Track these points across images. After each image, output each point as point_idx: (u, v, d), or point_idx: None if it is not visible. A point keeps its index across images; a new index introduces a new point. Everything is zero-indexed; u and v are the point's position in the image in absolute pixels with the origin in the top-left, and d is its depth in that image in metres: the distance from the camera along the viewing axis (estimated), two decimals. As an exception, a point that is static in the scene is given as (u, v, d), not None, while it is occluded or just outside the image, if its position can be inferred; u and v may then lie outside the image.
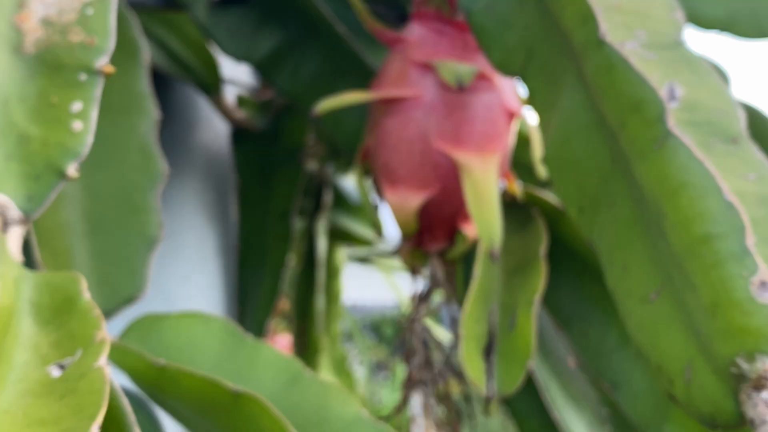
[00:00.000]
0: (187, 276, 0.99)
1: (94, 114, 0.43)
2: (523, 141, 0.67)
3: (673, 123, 0.38)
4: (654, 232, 0.39)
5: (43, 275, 0.40)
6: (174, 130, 1.00)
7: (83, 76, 0.44)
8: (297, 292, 1.41)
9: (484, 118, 0.60)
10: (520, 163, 0.68)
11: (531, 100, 0.53)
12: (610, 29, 0.47)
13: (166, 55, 0.93)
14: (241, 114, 0.98)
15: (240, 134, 1.00)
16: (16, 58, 0.44)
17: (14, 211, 0.41)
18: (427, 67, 0.60)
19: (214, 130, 1.04)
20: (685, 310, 0.37)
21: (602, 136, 0.44)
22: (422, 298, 0.63)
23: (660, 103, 0.39)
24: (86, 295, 0.39)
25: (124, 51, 0.66)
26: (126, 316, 0.59)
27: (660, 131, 0.38)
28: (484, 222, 0.57)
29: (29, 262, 0.55)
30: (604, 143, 0.44)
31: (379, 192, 0.63)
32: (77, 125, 0.43)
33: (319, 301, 1.43)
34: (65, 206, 0.60)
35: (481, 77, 0.60)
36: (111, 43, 0.45)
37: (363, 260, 1.72)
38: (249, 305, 1.03)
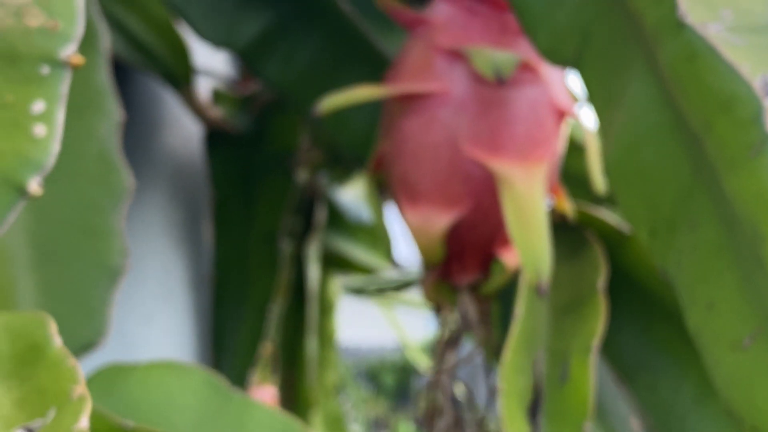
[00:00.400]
0: (150, 315, 1.00)
1: (60, 115, 0.44)
2: (575, 147, 0.69)
3: (772, 126, 0.39)
4: (748, 261, 0.40)
5: (1, 318, 0.41)
6: (134, 133, 1.01)
7: (45, 69, 0.45)
8: (283, 333, 1.42)
9: (528, 119, 0.61)
10: (571, 174, 0.69)
11: (588, 96, 0.54)
12: (690, 8, 0.48)
13: (125, 39, 0.95)
14: (216, 112, 1.00)
15: (216, 137, 1.02)
16: (-42, 48, 0.45)
17: (-42, 238, 0.42)
18: (457, 55, 0.61)
19: (184, 132, 1.05)
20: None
21: (681, 141, 0.45)
22: (450, 344, 0.64)
23: (756, 100, 0.40)
24: (57, 340, 0.40)
25: (78, 36, 0.67)
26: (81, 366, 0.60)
27: (756, 135, 0.39)
28: (529, 247, 0.58)
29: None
30: (684, 149, 0.45)
31: (398, 210, 0.64)
32: (39, 130, 0.44)
33: (311, 345, 1.45)
34: (7, 230, 0.61)
35: (524, 67, 0.61)
36: (79, 27, 0.46)
37: (358, 291, 1.73)
38: (226, 351, 1.04)
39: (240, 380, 1.02)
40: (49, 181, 0.63)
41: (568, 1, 0.56)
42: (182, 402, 0.58)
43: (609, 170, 0.50)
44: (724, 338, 0.41)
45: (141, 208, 1.01)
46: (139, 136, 1.02)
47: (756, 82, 0.44)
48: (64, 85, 0.45)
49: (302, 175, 1.32)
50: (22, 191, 0.43)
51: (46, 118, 0.44)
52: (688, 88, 0.43)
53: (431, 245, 0.62)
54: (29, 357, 0.39)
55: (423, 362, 2.07)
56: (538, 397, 0.62)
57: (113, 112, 0.67)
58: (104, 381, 0.59)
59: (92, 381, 0.59)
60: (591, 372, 0.60)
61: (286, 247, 1.04)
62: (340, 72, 0.78)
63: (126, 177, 0.65)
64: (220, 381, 0.60)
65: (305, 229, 1.35)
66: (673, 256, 0.46)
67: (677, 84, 0.44)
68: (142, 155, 1.01)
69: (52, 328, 0.40)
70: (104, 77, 0.68)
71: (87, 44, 0.68)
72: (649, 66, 0.48)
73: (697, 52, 0.43)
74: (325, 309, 1.59)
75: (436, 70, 0.62)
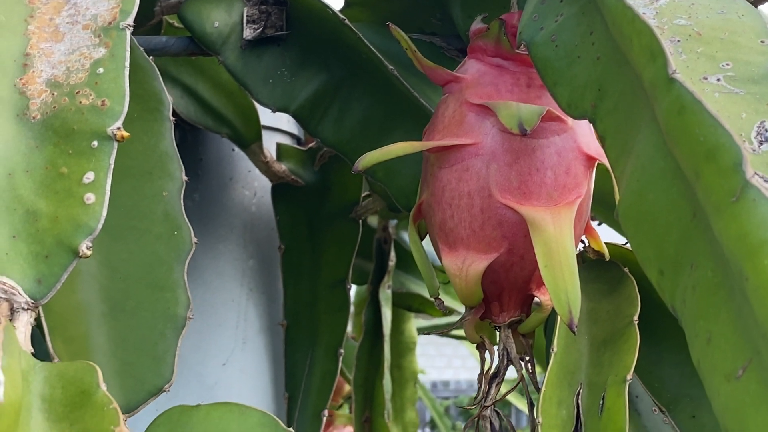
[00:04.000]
0: (227, 359, 1.03)
1: (108, 184, 0.48)
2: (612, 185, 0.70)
3: (752, 172, 0.40)
4: (739, 297, 0.41)
5: (56, 366, 0.45)
6: (208, 189, 1.06)
7: (95, 143, 0.48)
8: (359, 373, 1.45)
9: (557, 165, 0.63)
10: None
11: (603, 146, 0.56)
12: (686, 62, 0.50)
13: (197, 103, 0.99)
14: (281, 167, 1.03)
15: (282, 189, 1.05)
16: (21, 124, 0.49)
17: (22, 297, 0.46)
18: (486, 110, 0.63)
19: (254, 185, 1.09)
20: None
21: (681, 187, 0.46)
22: (493, 379, 0.66)
23: (737, 149, 0.41)
24: (102, 387, 0.43)
25: (144, 106, 0.72)
26: (155, 409, 0.63)
27: (737, 182, 0.41)
28: (559, 288, 0.59)
29: (40, 350, 0.59)
30: (684, 195, 0.46)
31: (438, 255, 0.66)
32: (90, 197, 0.47)
33: (387, 383, 1.46)
34: (81, 286, 0.65)
35: (552, 117, 0.63)
36: (125, 105, 0.49)
37: (428, 331, 1.75)
38: (300, 392, 1.06)
39: (315, 420, 1.05)
40: (118, 240, 0.67)
41: (584, 58, 0.58)
42: (240, 440, 0.61)
43: (622, 215, 0.52)
44: (720, 369, 0.43)
45: (215, 259, 1.04)
46: (213, 190, 1.06)
47: (753, 130, 0.46)
48: (111, 156, 0.48)
49: (373, 222, 1.35)
50: (74, 252, 0.46)
51: (95, 186, 0.47)
52: (680, 139, 0.45)
53: (469, 288, 0.64)
54: (78, 401, 0.42)
55: (517, 399, 2.07)
56: (578, 429, 0.63)
57: (177, 174, 0.70)
58: (170, 421, 0.61)
59: (159, 422, 0.62)
60: (625, 403, 0.61)
61: (352, 292, 1.07)
62: (390, 128, 0.80)
63: (188, 234, 0.68)
64: (275, 421, 0.62)
65: (379, 273, 1.38)
66: (679, 294, 0.47)
67: (671, 135, 0.46)
68: (215, 209, 1.05)
69: (99, 375, 0.43)
70: (168, 143, 0.71)
71: (152, 113, 0.72)
72: (653, 117, 0.49)
73: (686, 105, 0.45)
74: (404, 348, 1.61)
75: (468, 124, 0.64)
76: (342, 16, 0.77)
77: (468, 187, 0.63)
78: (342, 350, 1.05)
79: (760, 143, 0.47)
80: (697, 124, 0.44)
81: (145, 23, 0.87)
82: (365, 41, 0.77)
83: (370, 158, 0.64)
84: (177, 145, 1.03)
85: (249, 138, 1.00)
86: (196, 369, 1.02)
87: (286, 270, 1.06)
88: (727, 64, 0.51)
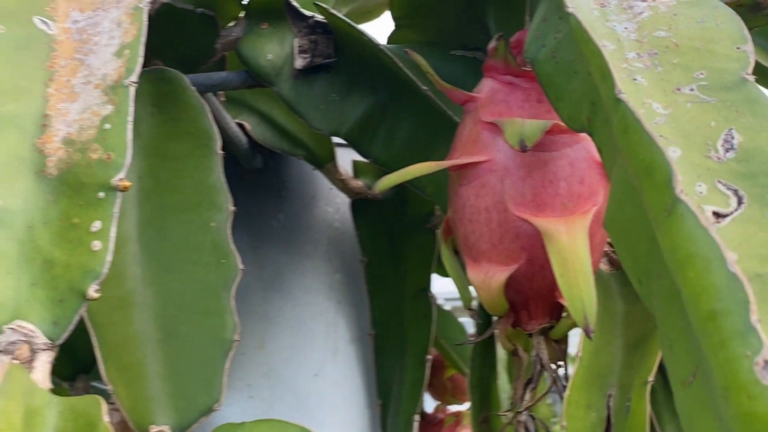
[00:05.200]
0: (319, 370, 1.07)
1: (113, 232, 0.52)
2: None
3: (680, 188, 0.41)
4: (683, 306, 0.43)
5: (68, 401, 0.49)
6: (291, 208, 1.10)
7: (101, 194, 0.53)
8: (474, 373, 1.47)
9: (570, 176, 0.64)
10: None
11: (602, 157, 0.57)
12: (662, 74, 0.51)
13: (273, 129, 1.03)
14: (358, 183, 1.06)
15: (360, 204, 1.08)
16: (40, 181, 0.54)
17: (41, 339, 0.50)
18: (498, 127, 0.65)
19: (337, 202, 1.13)
20: (711, 393, 0.40)
21: (641, 200, 0.48)
22: (527, 384, 0.67)
23: (668, 166, 0.42)
24: (105, 418, 0.47)
25: (195, 143, 0.76)
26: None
27: (669, 197, 0.42)
28: (575, 296, 0.61)
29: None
30: (643, 207, 0.47)
31: (464, 269, 0.68)
32: (96, 245, 0.52)
33: (502, 383, 1.47)
34: (138, 316, 0.70)
35: (563, 130, 0.64)
36: (128, 158, 0.54)
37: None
38: (392, 399, 1.10)
39: (407, 425, 1.08)
40: (170, 271, 0.72)
41: (579, 73, 0.59)
42: (282, 455, 0.64)
43: (607, 225, 0.53)
44: (678, 375, 0.44)
45: (302, 275, 1.09)
46: (297, 210, 1.10)
47: (720, 139, 0.47)
48: (116, 206, 0.52)
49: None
50: (83, 296, 0.51)
51: (101, 234, 0.52)
52: (627, 155, 0.46)
53: (493, 299, 0.65)
54: (86, 432, 0.47)
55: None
56: (608, 429, 0.65)
57: (225, 205, 0.74)
58: (219, 439, 0.66)
59: (210, 439, 0.66)
60: (646, 405, 0.62)
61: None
62: (434, 145, 0.83)
63: (235, 261, 0.72)
64: (315, 436, 0.66)
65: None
66: (653, 302, 0.49)
67: (621, 151, 0.47)
68: (301, 227, 1.10)
69: (104, 408, 0.48)
70: (217, 176, 0.75)
71: (202, 148, 0.77)
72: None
73: (629, 124, 0.46)
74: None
75: (483, 142, 0.66)
76: (376, 41, 0.80)
77: (485, 203, 0.65)
78: (429, 357, 1.08)
79: (726, 151, 0.48)
80: (638, 142, 0.45)
81: (207, 61, 0.92)
82: (399, 64, 0.79)
83: (387, 181, 0.67)
84: (260, 170, 1.09)
85: (323, 158, 1.04)
86: (290, 382, 1.07)
87: (370, 282, 1.09)
88: (701, 74, 0.52)
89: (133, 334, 0.69)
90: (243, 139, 1.02)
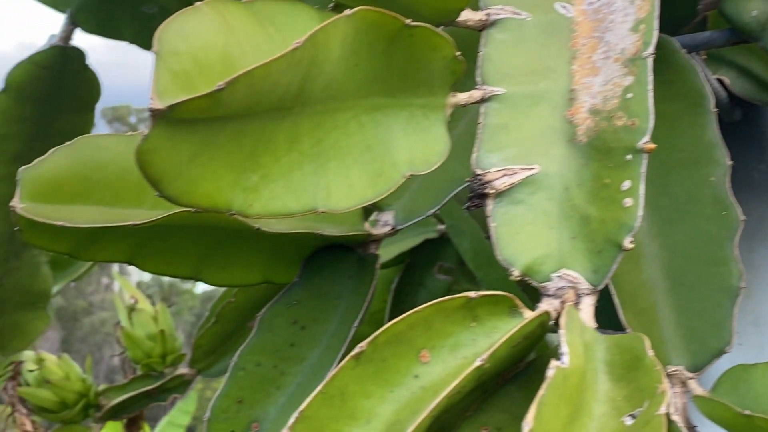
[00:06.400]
0: (759, 321, 1.08)
1: (641, 189, 0.58)
2: None
3: None
4: None
5: (612, 338, 0.56)
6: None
7: (629, 156, 0.59)
8: None
9: None
10: None
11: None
12: None
13: (752, 81, 1.05)
14: None
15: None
16: (572, 148, 0.61)
17: (584, 285, 0.58)
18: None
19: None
20: None
21: None
22: None
23: None
24: (650, 353, 0.54)
25: (688, 102, 0.81)
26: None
27: None
28: None
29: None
30: None
31: None
32: (628, 201, 0.58)
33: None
34: (646, 266, 0.76)
35: None
36: (651, 122, 0.59)
37: None
38: None
39: None
40: (674, 224, 0.77)
41: None
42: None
43: None
44: None
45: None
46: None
47: None
48: (642, 167, 0.58)
49: None
50: (620, 247, 0.57)
51: (631, 192, 0.58)
52: None
53: None
54: (633, 365, 0.53)
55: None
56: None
57: (722, 160, 0.78)
58: (732, 379, 0.70)
59: (723, 379, 0.70)
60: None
61: None
62: None
63: (735, 213, 0.75)
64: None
65: None
66: None
67: None
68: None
69: (647, 344, 0.54)
70: (712, 133, 0.79)
71: (695, 107, 0.81)
72: None
73: None
74: None
75: None
76: None
77: None
78: None
79: None
80: None
81: (689, 22, 0.95)
82: None
83: None
84: (739, 122, 1.11)
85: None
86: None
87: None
88: None
89: (643, 282, 0.75)
90: (722, 93, 1.04)
